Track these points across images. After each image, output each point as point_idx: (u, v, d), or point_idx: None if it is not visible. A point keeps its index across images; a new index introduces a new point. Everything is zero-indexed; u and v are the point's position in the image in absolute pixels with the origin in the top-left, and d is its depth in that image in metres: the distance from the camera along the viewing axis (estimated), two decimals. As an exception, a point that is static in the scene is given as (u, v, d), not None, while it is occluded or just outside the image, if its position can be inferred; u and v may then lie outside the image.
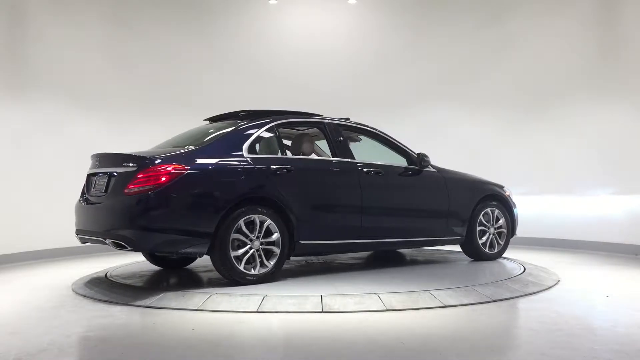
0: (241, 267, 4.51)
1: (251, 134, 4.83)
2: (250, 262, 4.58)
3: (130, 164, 4.50)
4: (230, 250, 4.46)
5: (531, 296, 4.43)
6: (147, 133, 6.96)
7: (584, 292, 4.62)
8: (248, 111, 5.26)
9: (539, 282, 4.88)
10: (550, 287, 4.76)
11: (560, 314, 3.99)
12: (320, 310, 3.91)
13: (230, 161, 4.63)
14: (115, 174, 4.60)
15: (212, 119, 5.58)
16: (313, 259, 6.15)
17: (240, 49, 8.75)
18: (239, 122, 5.00)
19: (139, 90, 8.21)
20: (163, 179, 4.32)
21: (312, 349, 3.15)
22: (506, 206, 6.13)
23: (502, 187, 6.22)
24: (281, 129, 5.23)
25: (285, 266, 5.69)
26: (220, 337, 3.42)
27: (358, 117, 8.40)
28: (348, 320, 3.71)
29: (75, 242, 5.23)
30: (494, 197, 6.05)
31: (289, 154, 5.26)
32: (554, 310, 4.11)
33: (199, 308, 4.01)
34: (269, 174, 4.73)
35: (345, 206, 5.16)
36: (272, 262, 4.66)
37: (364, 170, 5.24)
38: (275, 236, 4.65)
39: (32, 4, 7.27)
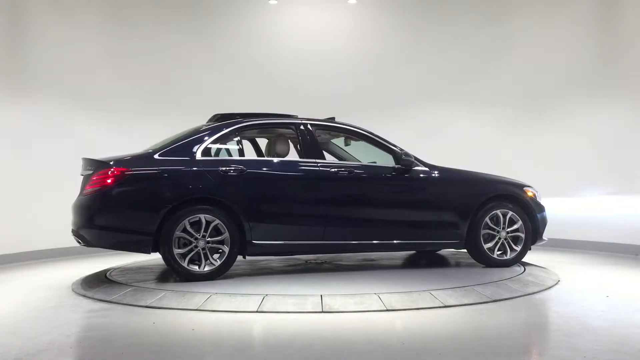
0: (184, 264, 4.72)
1: (208, 137, 5.05)
2: (202, 260, 4.80)
3: (90, 168, 4.95)
4: (174, 248, 4.70)
5: (531, 296, 4.43)
6: (147, 133, 6.95)
7: (584, 292, 4.62)
8: (223, 115, 5.43)
9: (539, 282, 4.88)
10: (550, 287, 4.76)
11: (560, 314, 3.99)
12: (320, 310, 3.92)
13: (178, 163, 4.88)
14: (84, 176, 5.09)
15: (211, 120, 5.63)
16: (312, 258, 6.15)
17: (240, 49, 8.75)
18: (204, 125, 5.24)
19: (139, 90, 8.21)
20: (109, 180, 4.73)
21: (312, 349, 3.15)
22: (525, 208, 5.52)
23: (521, 186, 5.67)
24: (255, 131, 5.51)
25: (284, 266, 5.72)
26: (220, 337, 3.42)
27: (358, 117, 8.41)
28: (348, 320, 3.71)
29: (74, 241, 5.31)
30: (507, 197, 5.52)
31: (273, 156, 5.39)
32: (554, 310, 4.12)
33: (199, 308, 4.02)
34: (218, 175, 4.87)
35: (305, 207, 5.13)
36: (220, 261, 4.81)
37: (331, 170, 5.15)
38: (224, 236, 4.80)
39: (32, 4, 7.26)
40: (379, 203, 5.31)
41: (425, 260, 6.22)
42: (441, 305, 4.04)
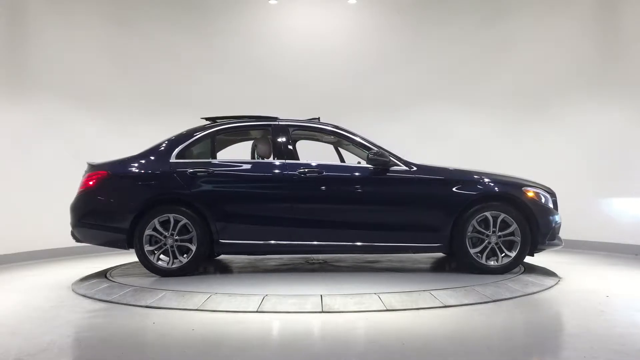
0: (153, 260, 5.09)
1: (184, 141, 5.35)
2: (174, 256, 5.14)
3: (85, 170, 5.41)
4: (145, 245, 5.08)
5: (531, 296, 4.43)
6: (147, 133, 6.95)
7: (584, 292, 4.62)
8: (208, 118, 5.64)
9: (539, 282, 4.88)
10: (550, 287, 4.76)
11: (560, 314, 3.99)
12: (320, 310, 3.92)
13: (153, 166, 5.23)
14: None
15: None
16: (312, 258, 6.15)
17: (240, 49, 8.76)
18: (188, 129, 5.50)
19: (139, 90, 8.22)
20: (91, 182, 5.25)
21: (312, 349, 3.15)
22: (523, 210, 5.07)
23: (519, 186, 5.18)
24: (231, 134, 5.70)
25: (285, 265, 5.72)
26: (220, 337, 3.42)
27: (357, 117, 8.44)
28: (348, 320, 3.71)
29: (73, 241, 5.42)
30: (499, 198, 5.12)
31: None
32: (554, 310, 4.12)
33: (199, 308, 4.02)
34: (187, 177, 5.15)
35: (271, 207, 5.16)
36: (185, 258, 5.10)
37: (299, 170, 5.14)
38: (192, 234, 5.08)
39: (32, 4, 7.27)
40: (350, 204, 5.18)
41: (426, 261, 6.21)
42: (441, 305, 4.04)
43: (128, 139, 7.58)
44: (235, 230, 5.12)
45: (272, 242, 5.12)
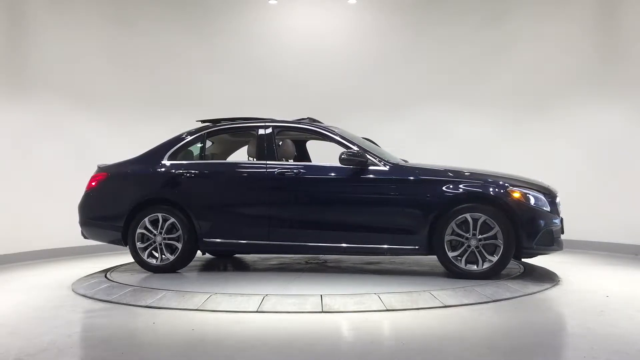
0: (144, 257, 5.33)
1: (176, 143, 5.55)
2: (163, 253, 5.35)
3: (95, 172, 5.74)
4: (136, 243, 5.33)
5: (531, 296, 4.42)
6: (147, 133, 6.96)
7: (584, 292, 4.62)
8: (203, 120, 5.79)
9: (539, 282, 4.88)
10: (550, 287, 4.75)
11: (560, 314, 3.99)
12: (320, 310, 3.92)
13: (145, 168, 5.48)
14: None
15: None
16: (312, 258, 6.15)
17: (240, 49, 8.75)
18: (182, 132, 5.69)
19: (139, 90, 8.21)
20: (93, 183, 5.62)
21: (312, 349, 3.15)
22: (508, 212, 4.73)
23: (504, 186, 4.82)
24: (222, 135, 5.83)
25: (285, 265, 5.72)
26: (220, 337, 3.42)
27: (358, 116, 8.43)
28: (348, 320, 3.71)
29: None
30: (482, 198, 4.82)
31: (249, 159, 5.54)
32: (554, 311, 4.12)
33: (199, 308, 4.02)
34: (174, 178, 5.38)
35: (250, 207, 5.29)
36: (173, 256, 5.29)
37: (278, 171, 5.15)
38: (178, 233, 5.26)
39: (32, 3, 7.26)
40: (326, 204, 5.13)
41: (426, 261, 6.21)
42: (441, 305, 4.04)
43: (128, 138, 7.59)
44: (218, 229, 5.26)
45: (252, 241, 5.22)
